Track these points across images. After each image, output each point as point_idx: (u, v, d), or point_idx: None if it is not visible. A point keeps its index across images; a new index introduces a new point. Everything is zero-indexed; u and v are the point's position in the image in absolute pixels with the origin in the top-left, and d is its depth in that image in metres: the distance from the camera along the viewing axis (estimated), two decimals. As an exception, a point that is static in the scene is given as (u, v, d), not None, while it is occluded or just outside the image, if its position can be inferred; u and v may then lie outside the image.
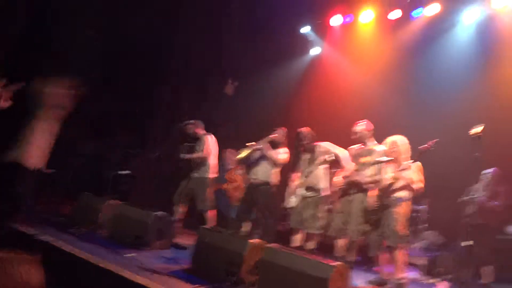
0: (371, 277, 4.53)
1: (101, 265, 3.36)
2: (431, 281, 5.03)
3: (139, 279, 3.18)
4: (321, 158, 4.89)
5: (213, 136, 5.49)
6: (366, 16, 6.92)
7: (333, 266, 3.04)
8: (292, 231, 5.04)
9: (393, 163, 4.43)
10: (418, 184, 4.24)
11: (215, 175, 5.54)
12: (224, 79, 7.77)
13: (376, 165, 4.53)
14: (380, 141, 4.70)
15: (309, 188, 4.91)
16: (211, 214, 5.33)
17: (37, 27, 6.53)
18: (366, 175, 4.61)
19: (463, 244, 3.47)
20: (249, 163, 5.19)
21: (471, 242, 3.51)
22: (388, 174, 4.42)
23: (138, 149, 7.52)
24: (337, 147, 4.94)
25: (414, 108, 6.44)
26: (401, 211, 4.21)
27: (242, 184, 5.90)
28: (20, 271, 1.19)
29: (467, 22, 6.20)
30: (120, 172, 7.00)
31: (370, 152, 4.66)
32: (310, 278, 3.01)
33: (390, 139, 4.45)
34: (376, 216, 4.31)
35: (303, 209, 4.88)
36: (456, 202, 5.75)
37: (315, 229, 4.82)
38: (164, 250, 4.24)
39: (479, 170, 4.94)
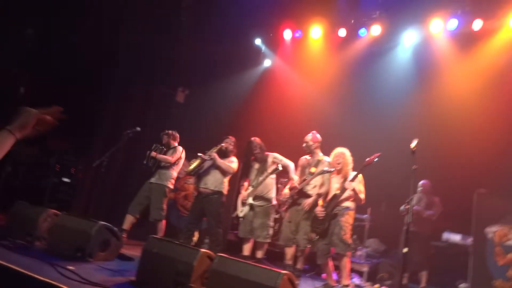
0: (319, 284, 4.66)
1: (38, 277, 3.13)
2: (374, 286, 5.28)
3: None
4: (271, 169, 4.98)
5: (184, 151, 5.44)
6: (316, 32, 7.21)
7: (282, 274, 3.08)
8: (242, 240, 5.05)
9: (338, 174, 4.62)
10: (362, 195, 4.46)
11: (172, 187, 5.47)
12: (174, 87, 7.66)
13: (322, 176, 4.69)
14: (326, 151, 4.89)
15: (258, 198, 4.97)
16: (163, 223, 5.22)
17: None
18: (314, 185, 4.76)
19: (404, 251, 3.69)
20: (199, 173, 5.15)
21: (406, 249, 3.74)
22: (334, 185, 4.59)
23: (78, 157, 7.16)
24: (285, 158, 5.06)
25: (358, 121, 6.79)
26: (348, 220, 4.39)
27: (191, 193, 5.82)
28: None
29: (407, 43, 6.70)
30: (58, 180, 6.61)
31: (317, 163, 4.82)
32: (259, 287, 3.03)
33: (338, 150, 4.64)
34: (324, 225, 4.44)
35: (253, 218, 4.92)
36: (395, 212, 6.13)
37: (263, 238, 4.88)
38: (108, 262, 4.04)
39: (417, 181, 5.30)
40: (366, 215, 6.38)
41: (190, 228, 5.11)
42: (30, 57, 6.54)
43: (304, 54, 7.53)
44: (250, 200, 4.97)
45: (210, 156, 5.00)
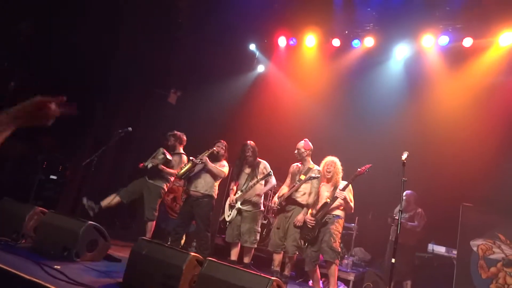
0: (306, 291, 4.68)
1: (24, 276, 3.07)
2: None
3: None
4: (261, 175, 5.00)
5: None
6: (310, 41, 7.29)
7: (271, 280, 3.10)
8: (230, 245, 5.05)
9: (328, 182, 4.66)
10: (352, 204, 4.51)
11: (166, 190, 5.48)
12: (167, 89, 7.64)
13: (311, 183, 4.73)
14: (315, 159, 4.93)
15: (246, 202, 4.98)
16: (153, 225, 5.20)
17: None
18: (303, 192, 4.78)
19: (392, 261, 3.74)
20: (189, 176, 5.14)
21: (393, 260, 3.79)
22: (324, 193, 4.63)
23: (67, 155, 7.05)
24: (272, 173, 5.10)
25: (348, 130, 6.89)
26: (338, 228, 4.43)
27: (180, 195, 5.80)
28: None
29: (399, 56, 6.83)
30: (46, 177, 6.51)
31: (307, 170, 4.85)
32: (248, 292, 3.04)
33: (328, 159, 4.69)
34: (313, 233, 4.47)
35: (240, 223, 4.93)
36: (381, 221, 6.21)
37: (250, 243, 4.89)
38: (95, 263, 3.99)
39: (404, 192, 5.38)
40: (353, 224, 6.44)
41: (178, 231, 5.09)
42: (24, 55, 6.44)
43: (298, 61, 7.61)
44: (238, 205, 4.98)
45: (201, 160, 5.00)
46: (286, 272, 4.81)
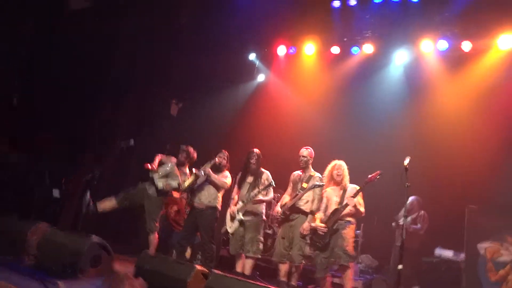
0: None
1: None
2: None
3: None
4: (264, 185, 4.94)
5: None
6: (309, 49, 7.31)
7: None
8: (234, 256, 4.99)
9: (337, 185, 4.60)
10: (362, 208, 4.45)
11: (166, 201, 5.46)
12: (168, 99, 7.65)
13: (313, 191, 4.69)
14: (317, 166, 4.90)
15: (248, 213, 4.91)
16: (155, 237, 5.14)
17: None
18: (306, 200, 4.74)
19: (399, 267, 3.71)
20: (192, 188, 5.10)
21: (401, 266, 3.75)
22: (333, 197, 4.56)
23: (68, 168, 7.02)
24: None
25: (349, 137, 6.86)
26: (350, 232, 4.40)
27: (183, 208, 5.76)
28: None
29: (398, 62, 6.84)
30: (48, 193, 6.47)
31: (309, 178, 4.82)
32: (256, 304, 3.00)
33: (336, 162, 4.65)
34: (324, 240, 4.40)
35: (243, 233, 4.86)
36: (386, 227, 6.16)
37: (253, 253, 4.81)
38: (99, 278, 3.94)
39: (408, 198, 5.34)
40: (359, 231, 6.39)
41: (182, 243, 5.04)
42: (24, 65, 6.46)
43: (298, 70, 7.63)
44: (240, 216, 4.90)
45: (204, 172, 4.96)
46: (293, 282, 4.74)
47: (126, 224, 6.44)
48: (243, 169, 5.11)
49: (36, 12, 6.43)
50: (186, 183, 5.03)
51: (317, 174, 4.81)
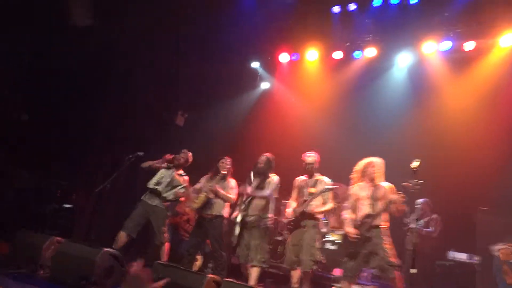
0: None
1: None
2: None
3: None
4: (271, 189, 4.87)
5: None
6: (312, 55, 7.36)
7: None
8: (245, 266, 4.97)
9: (368, 182, 4.37)
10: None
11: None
12: (174, 110, 7.73)
13: (322, 195, 4.67)
14: (323, 171, 4.89)
15: (252, 216, 4.82)
16: (167, 246, 5.17)
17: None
18: (314, 205, 4.72)
19: (411, 271, 3.64)
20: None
21: (415, 271, 3.68)
22: (362, 193, 4.33)
23: (78, 181, 7.12)
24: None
25: (355, 141, 6.85)
26: (386, 239, 4.14)
27: (193, 217, 5.79)
28: None
29: (402, 64, 6.86)
30: (59, 206, 6.56)
31: (315, 182, 4.80)
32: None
33: (366, 160, 4.48)
34: (356, 248, 4.19)
35: (249, 240, 4.77)
36: (397, 230, 6.11)
37: (257, 262, 4.67)
38: (113, 289, 3.99)
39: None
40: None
41: (191, 252, 5.02)
42: (26, 74, 6.55)
43: (301, 76, 7.69)
44: (239, 219, 4.84)
45: (212, 190, 4.98)
46: (305, 288, 4.72)
47: (137, 235, 6.48)
48: (252, 171, 5.06)
49: (41, 23, 6.50)
50: (198, 204, 5.02)
51: (324, 178, 4.79)
